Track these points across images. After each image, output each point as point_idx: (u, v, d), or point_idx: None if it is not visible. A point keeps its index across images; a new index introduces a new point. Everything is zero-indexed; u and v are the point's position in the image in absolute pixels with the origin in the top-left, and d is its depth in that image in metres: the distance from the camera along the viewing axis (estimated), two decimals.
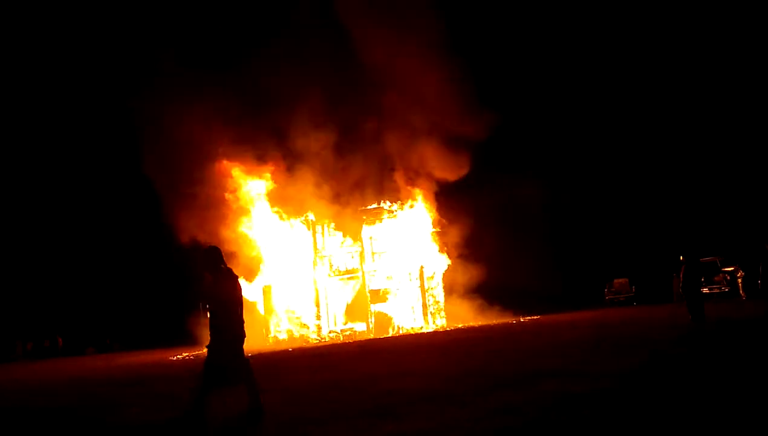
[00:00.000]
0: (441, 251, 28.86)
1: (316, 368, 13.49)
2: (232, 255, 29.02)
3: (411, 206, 28.66)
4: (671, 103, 38.85)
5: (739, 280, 28.55)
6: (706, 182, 37.83)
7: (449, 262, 28.80)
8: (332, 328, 28.24)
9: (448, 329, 25.91)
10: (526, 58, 37.98)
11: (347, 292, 29.33)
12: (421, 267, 27.80)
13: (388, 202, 28.55)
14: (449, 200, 29.37)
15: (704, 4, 37.23)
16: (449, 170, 28.78)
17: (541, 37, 38.29)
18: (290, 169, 29.06)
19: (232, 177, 29.12)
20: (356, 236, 28.59)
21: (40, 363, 30.85)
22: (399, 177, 29.31)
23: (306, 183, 28.77)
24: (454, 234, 28.96)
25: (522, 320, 27.75)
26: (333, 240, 29.44)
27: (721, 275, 29.89)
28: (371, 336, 25.78)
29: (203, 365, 7.50)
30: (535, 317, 28.41)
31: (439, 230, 28.94)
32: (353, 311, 29.10)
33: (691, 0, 37.89)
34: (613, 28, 38.73)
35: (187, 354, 24.24)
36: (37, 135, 40.22)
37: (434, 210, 29.20)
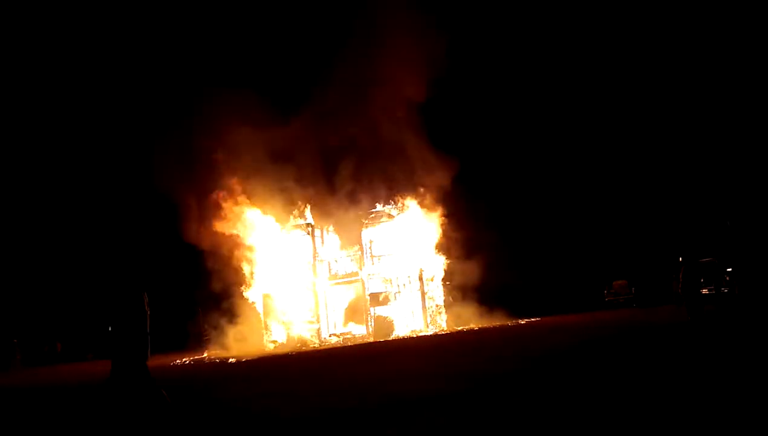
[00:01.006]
0: (440, 253, 28.85)
1: (316, 372, 13.50)
2: (232, 259, 28.99)
3: (409, 208, 28.63)
4: (669, 104, 38.92)
5: None
6: (706, 183, 37.87)
7: (447, 263, 28.82)
8: (332, 332, 28.22)
9: (448, 331, 25.91)
10: (529, 53, 38.00)
11: (347, 295, 29.34)
12: (420, 270, 27.81)
13: (388, 206, 28.50)
14: (449, 202, 29.37)
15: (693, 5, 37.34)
16: (446, 170, 28.90)
17: (543, 34, 38.28)
18: (290, 173, 28.99)
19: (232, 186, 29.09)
20: (355, 240, 28.59)
21: (43, 369, 30.77)
22: (398, 180, 29.33)
23: (305, 187, 28.78)
24: (454, 236, 28.98)
25: (521, 322, 27.78)
26: (332, 244, 29.43)
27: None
28: (371, 339, 25.77)
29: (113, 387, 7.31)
30: (534, 319, 28.43)
31: (438, 232, 28.92)
32: (353, 314, 29.09)
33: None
34: (618, 24, 38.74)
35: (186, 359, 24.22)
36: (41, 141, 40.13)
37: (433, 212, 29.16)
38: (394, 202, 28.63)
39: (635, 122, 39.45)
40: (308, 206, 28.81)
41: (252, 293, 28.76)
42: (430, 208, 29.12)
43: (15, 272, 41.21)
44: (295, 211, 28.87)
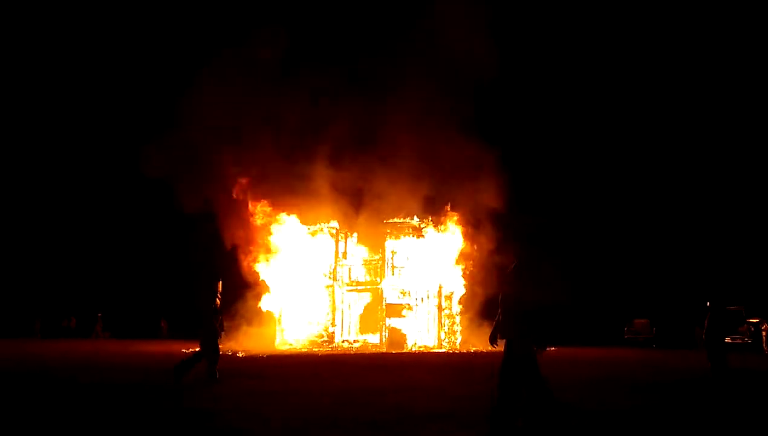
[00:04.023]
0: (462, 271, 28.56)
1: (325, 377, 13.43)
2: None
3: (439, 229, 28.35)
4: (698, 145, 38.32)
5: (764, 333, 27.91)
6: (735, 229, 37.17)
7: (467, 282, 28.54)
8: (346, 338, 28.16)
9: (461, 350, 25.67)
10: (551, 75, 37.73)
11: (363, 303, 29.25)
12: (440, 286, 27.59)
13: (415, 219, 28.29)
14: (477, 224, 29.08)
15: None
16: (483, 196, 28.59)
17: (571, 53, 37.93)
18: (318, 176, 28.95)
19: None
20: (378, 249, 28.50)
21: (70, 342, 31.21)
22: (429, 193, 29.14)
23: (332, 191, 28.79)
24: (479, 257, 28.68)
25: (536, 350, 27.38)
26: (354, 250, 29.38)
27: (745, 325, 29.24)
28: (383, 350, 25.64)
29: None
30: (551, 349, 28.07)
31: (462, 249, 28.62)
32: (367, 323, 29.00)
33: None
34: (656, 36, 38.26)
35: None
36: (68, 123, 40.87)
37: (460, 230, 28.89)
38: (422, 217, 28.43)
39: (668, 158, 38.90)
40: (334, 220, 28.78)
41: (271, 291, 28.79)
42: (457, 226, 28.89)
43: (35, 252, 42.29)
44: (326, 223, 28.87)
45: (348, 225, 29.30)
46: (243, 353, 21.62)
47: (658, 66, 38.62)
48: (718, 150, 37.97)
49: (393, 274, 27.85)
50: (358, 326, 29.37)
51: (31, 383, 11.41)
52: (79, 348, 24.87)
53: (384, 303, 27.45)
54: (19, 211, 42.05)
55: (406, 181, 28.44)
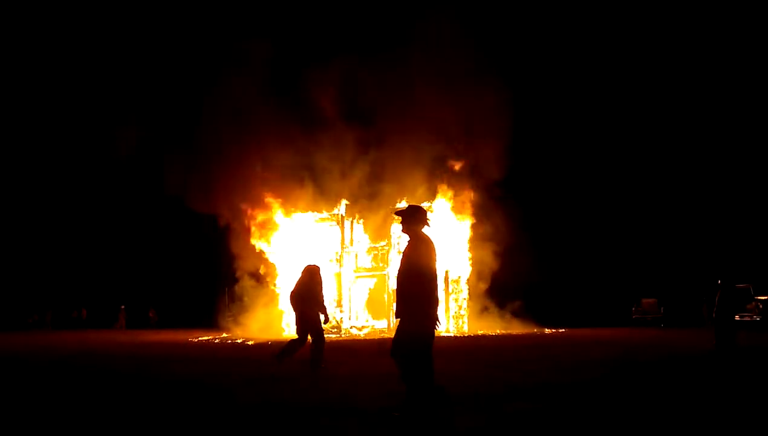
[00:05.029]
0: (469, 255, 28.57)
1: (335, 362, 13.43)
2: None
3: (450, 202, 28.39)
4: (711, 122, 37.97)
5: None
6: (743, 206, 36.96)
7: (474, 265, 28.55)
8: (354, 323, 28.19)
9: (469, 335, 25.70)
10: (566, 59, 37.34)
11: (370, 288, 29.27)
12: (447, 271, 27.55)
13: (423, 203, 28.23)
14: (484, 207, 29.04)
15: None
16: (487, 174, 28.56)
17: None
18: (322, 162, 28.86)
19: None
20: (384, 234, 28.45)
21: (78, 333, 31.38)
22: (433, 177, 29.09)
23: (338, 177, 28.71)
24: (485, 239, 28.69)
25: (546, 331, 27.45)
26: (360, 236, 29.35)
27: (753, 303, 29.16)
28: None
29: None
30: (560, 330, 28.08)
31: (469, 233, 28.61)
32: (375, 308, 29.03)
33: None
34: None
35: (205, 338, 24.41)
36: (81, 111, 40.72)
37: (465, 213, 28.87)
38: (427, 200, 28.39)
39: (676, 140, 38.61)
40: (343, 201, 28.69)
41: (277, 279, 28.82)
42: (462, 210, 28.86)
43: (47, 244, 42.53)
44: (336, 204, 28.80)
45: (354, 211, 29.24)
46: (252, 341, 21.68)
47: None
48: (727, 125, 37.66)
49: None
50: (365, 311, 29.41)
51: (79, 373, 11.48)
52: (96, 338, 25.18)
53: (391, 288, 27.45)
54: (25, 206, 42.18)
55: (411, 165, 28.46)
